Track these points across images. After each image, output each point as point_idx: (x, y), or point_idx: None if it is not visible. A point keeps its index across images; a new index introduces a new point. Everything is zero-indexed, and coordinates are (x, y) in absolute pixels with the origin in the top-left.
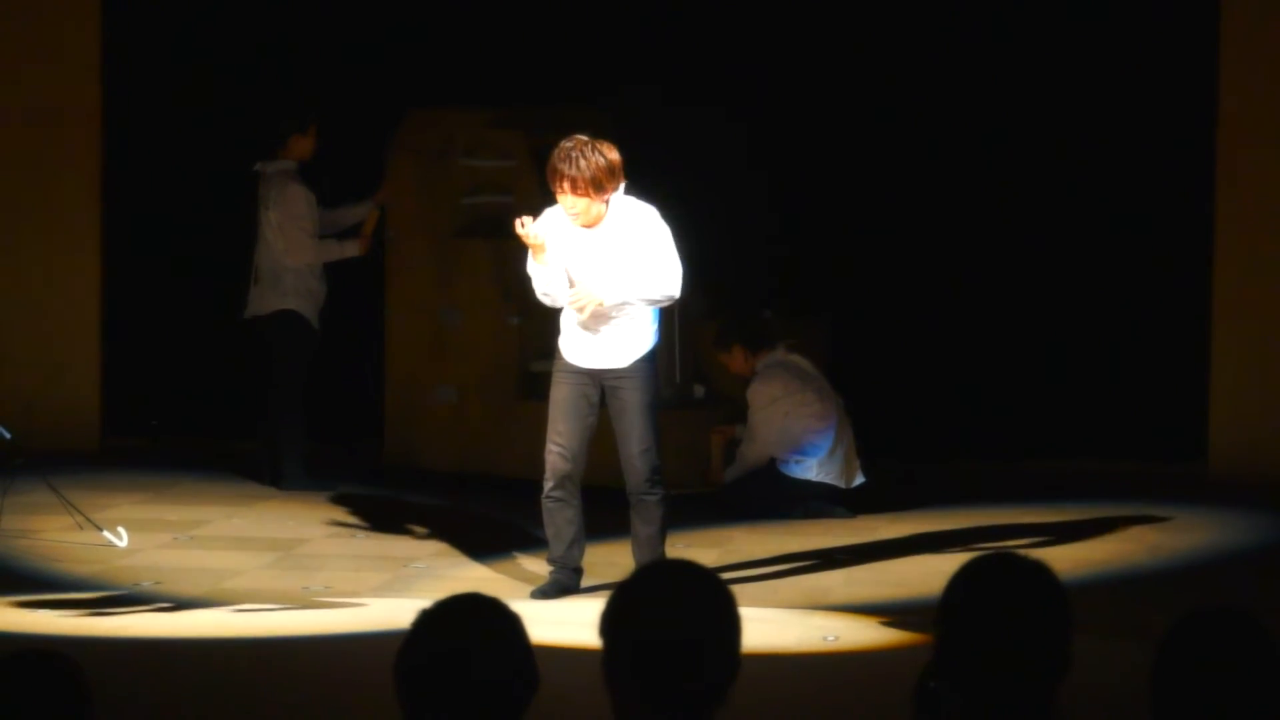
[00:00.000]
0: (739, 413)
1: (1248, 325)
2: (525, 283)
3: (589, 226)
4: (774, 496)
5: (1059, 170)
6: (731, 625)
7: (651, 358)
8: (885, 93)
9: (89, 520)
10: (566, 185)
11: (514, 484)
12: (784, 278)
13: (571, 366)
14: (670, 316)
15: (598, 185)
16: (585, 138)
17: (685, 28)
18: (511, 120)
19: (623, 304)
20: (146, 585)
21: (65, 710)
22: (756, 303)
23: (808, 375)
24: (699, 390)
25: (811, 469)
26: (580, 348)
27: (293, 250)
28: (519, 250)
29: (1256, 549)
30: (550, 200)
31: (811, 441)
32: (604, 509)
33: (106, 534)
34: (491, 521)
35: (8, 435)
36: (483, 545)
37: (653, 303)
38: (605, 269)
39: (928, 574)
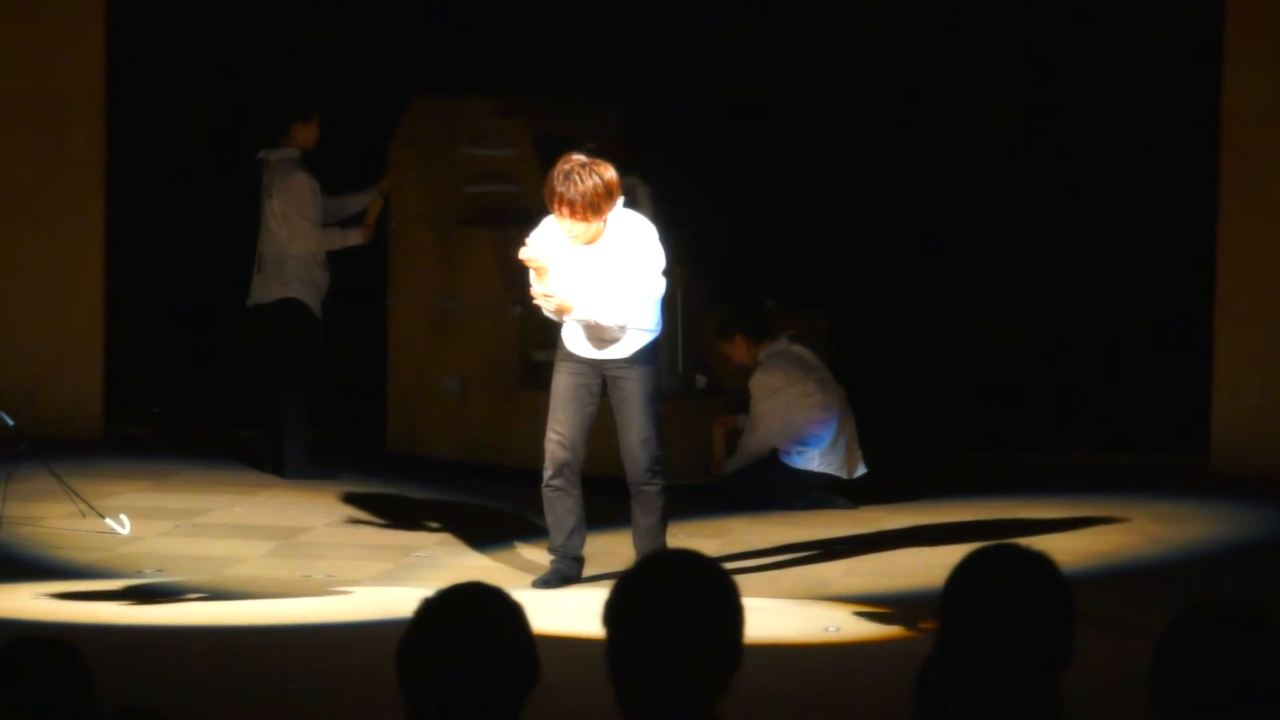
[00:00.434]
0: (741, 403)
1: (1250, 318)
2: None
3: (588, 243)
4: (776, 487)
5: (1063, 162)
6: (733, 616)
7: (653, 348)
8: (888, 84)
9: (91, 508)
10: (565, 210)
11: (516, 472)
12: (786, 268)
13: (573, 356)
14: (673, 306)
15: (595, 208)
16: (581, 158)
17: (690, 19)
18: (515, 109)
19: (621, 324)
20: (148, 573)
21: (67, 697)
22: (759, 293)
23: (810, 366)
24: (701, 380)
25: (813, 459)
26: (582, 338)
27: (296, 238)
28: (521, 240)
29: (1258, 541)
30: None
31: (813, 432)
32: (605, 498)
33: (109, 521)
34: (493, 510)
35: (11, 422)
36: (485, 534)
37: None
38: (602, 285)
39: (929, 565)
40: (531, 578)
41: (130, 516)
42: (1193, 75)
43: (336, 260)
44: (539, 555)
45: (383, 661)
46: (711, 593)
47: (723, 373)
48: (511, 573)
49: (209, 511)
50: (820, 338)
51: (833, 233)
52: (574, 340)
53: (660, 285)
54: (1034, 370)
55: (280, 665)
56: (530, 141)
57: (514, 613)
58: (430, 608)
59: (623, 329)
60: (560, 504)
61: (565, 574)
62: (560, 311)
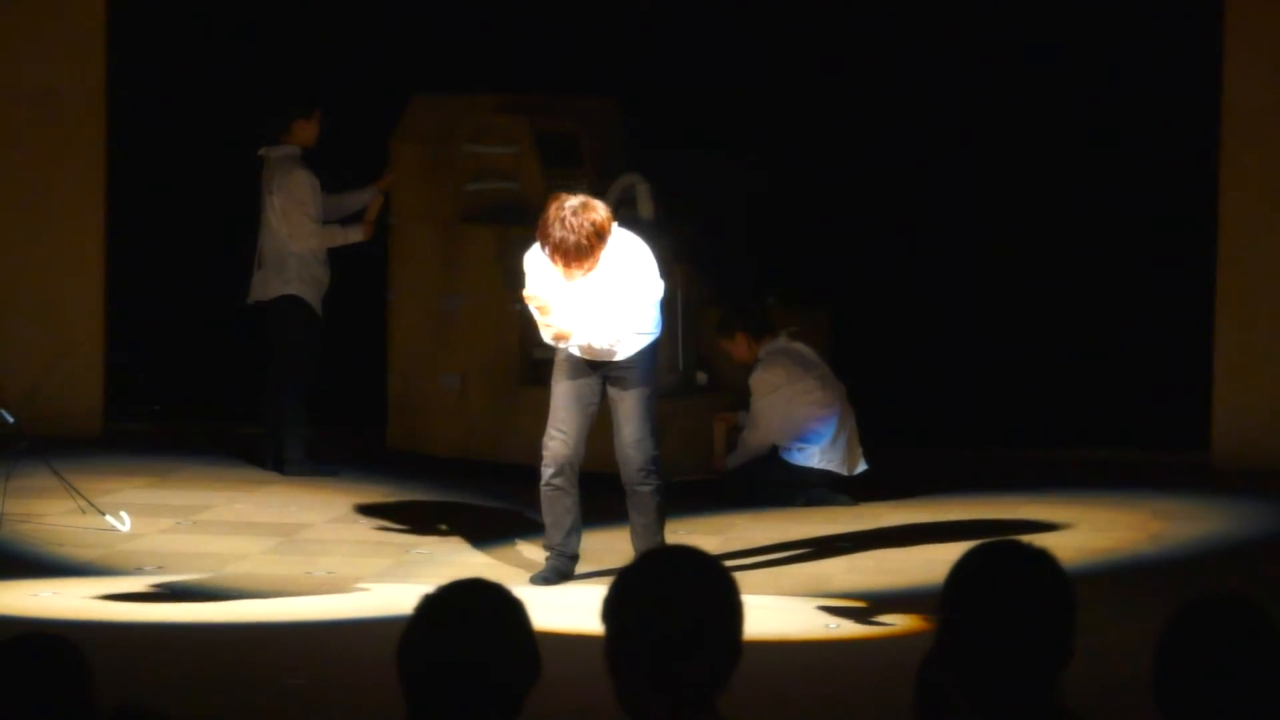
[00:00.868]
0: (741, 400)
1: (1251, 314)
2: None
3: (583, 275)
4: (776, 484)
5: (1062, 158)
6: (733, 612)
7: (652, 349)
8: (889, 77)
9: (91, 505)
10: (558, 259)
11: (516, 470)
12: (787, 265)
13: (574, 356)
14: (673, 304)
15: (587, 254)
16: (573, 202)
17: (689, 15)
18: (516, 107)
19: (616, 340)
20: (148, 570)
21: (66, 694)
22: (759, 290)
23: (810, 362)
24: (702, 377)
25: (814, 456)
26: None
27: (296, 235)
28: (522, 238)
29: (1259, 537)
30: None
31: (814, 429)
32: (605, 495)
33: (109, 518)
34: (493, 507)
35: (11, 419)
36: (485, 531)
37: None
38: (598, 313)
39: (929, 562)
40: (531, 575)
41: (130, 513)
42: (1192, 70)
43: (337, 257)
44: (539, 552)
45: (383, 658)
46: (711, 588)
47: (723, 370)
48: (511, 570)
49: (209, 508)
50: (820, 334)
51: (833, 229)
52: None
53: (658, 289)
54: (1035, 366)
55: (280, 662)
56: (531, 139)
57: (515, 609)
58: (431, 604)
59: (619, 343)
60: (560, 503)
61: (562, 571)
62: (559, 339)
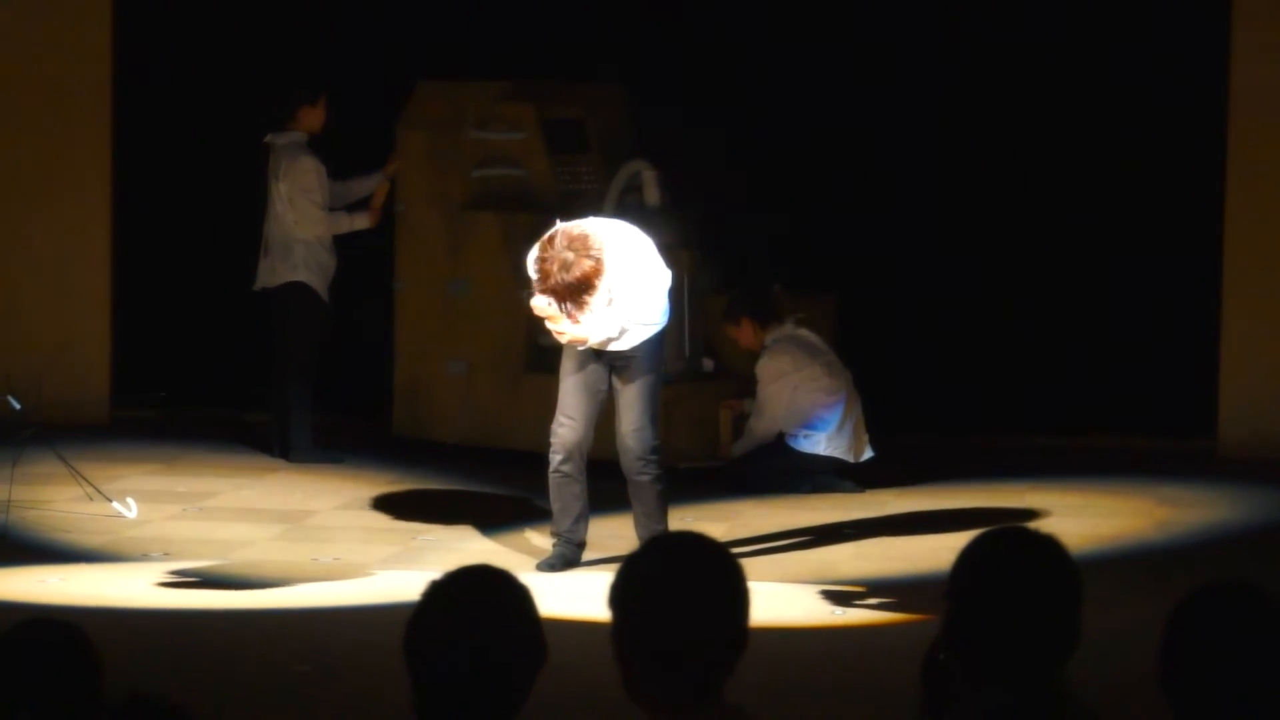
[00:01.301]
0: (748, 387)
1: (1258, 302)
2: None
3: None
4: (782, 471)
5: (1070, 146)
6: (739, 599)
7: (659, 339)
8: (894, 67)
9: (98, 491)
10: (551, 297)
11: (522, 456)
12: (794, 252)
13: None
14: (680, 291)
15: (576, 299)
16: (567, 255)
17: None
18: (522, 93)
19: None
20: (155, 556)
21: (74, 679)
22: (766, 277)
23: (817, 350)
24: (708, 364)
25: (820, 443)
26: None
27: (302, 222)
28: (528, 224)
29: (1266, 525)
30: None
31: (820, 416)
32: (611, 483)
33: (116, 505)
34: (500, 494)
35: (18, 406)
36: (491, 518)
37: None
38: (608, 314)
39: (936, 548)
40: (538, 561)
41: (137, 500)
42: (1199, 58)
43: (343, 244)
44: (545, 539)
45: (390, 644)
46: (717, 575)
47: (730, 357)
48: (518, 556)
49: (216, 495)
50: (827, 321)
51: (840, 215)
52: None
53: (665, 279)
54: (1041, 354)
55: (287, 648)
56: (537, 125)
57: (522, 595)
58: (438, 590)
59: (625, 333)
60: (568, 489)
61: (568, 558)
62: (575, 343)
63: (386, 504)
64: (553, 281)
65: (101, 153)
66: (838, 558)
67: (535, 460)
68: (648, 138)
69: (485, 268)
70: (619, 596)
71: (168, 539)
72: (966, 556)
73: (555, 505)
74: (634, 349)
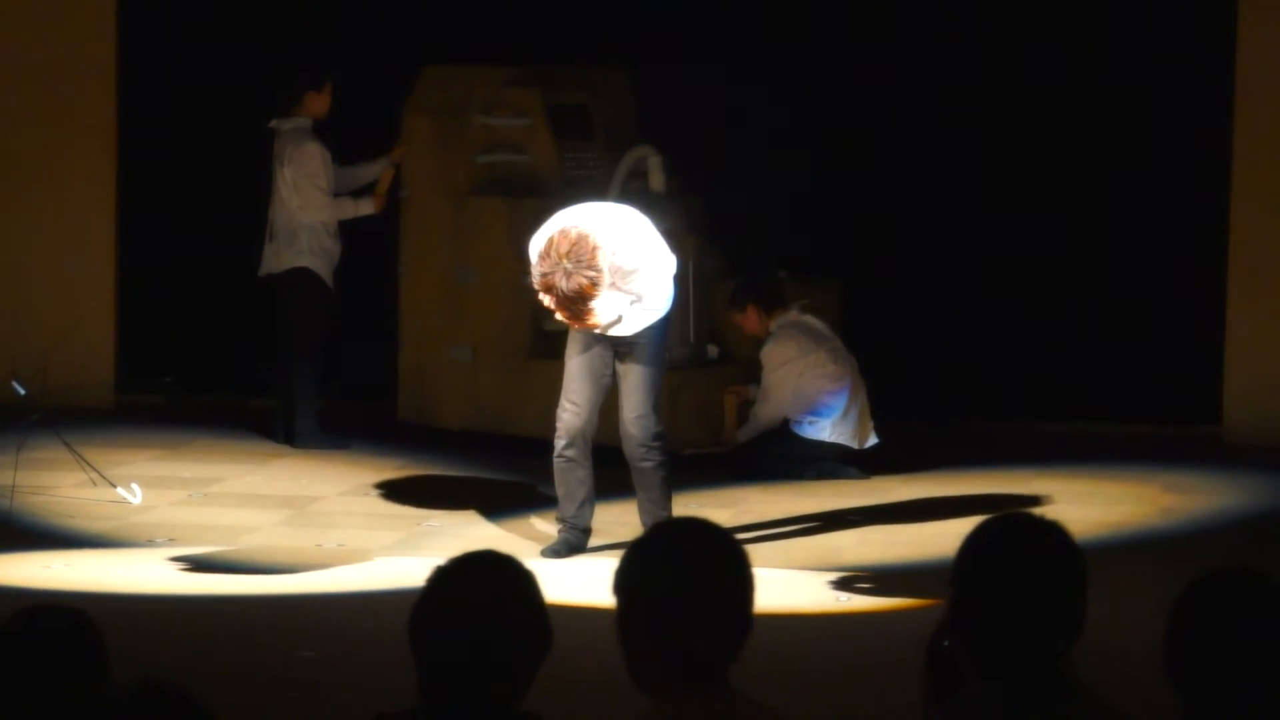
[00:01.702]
0: (753, 373)
1: (1263, 288)
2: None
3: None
4: (787, 457)
5: (1075, 133)
6: (744, 585)
7: (663, 325)
8: (900, 53)
9: (103, 477)
10: (550, 301)
11: (527, 442)
12: (799, 238)
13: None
14: (685, 277)
15: (574, 312)
16: (566, 263)
17: None
18: (528, 78)
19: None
20: (160, 542)
21: (79, 665)
22: (771, 263)
23: (822, 336)
24: (713, 351)
25: (825, 430)
26: None
27: (308, 208)
28: (534, 210)
29: (1271, 511)
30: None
31: (825, 402)
32: (616, 469)
33: (120, 490)
34: (505, 480)
35: (23, 391)
36: (496, 504)
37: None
38: (616, 298)
39: (941, 535)
40: (543, 547)
41: (142, 485)
42: (1205, 42)
43: (348, 230)
44: (550, 525)
45: (395, 630)
46: (722, 561)
47: (735, 343)
48: (523, 542)
49: (221, 481)
50: (832, 308)
51: (844, 202)
52: None
53: (670, 264)
54: (1046, 340)
55: (292, 634)
56: (543, 111)
57: (526, 581)
58: (443, 576)
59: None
60: (572, 475)
61: (573, 544)
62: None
63: (391, 490)
64: (555, 292)
65: (106, 138)
66: (842, 544)
67: (540, 446)
68: (653, 122)
69: (490, 253)
70: (623, 582)
71: (172, 524)
72: (971, 543)
73: (559, 491)
74: (638, 335)
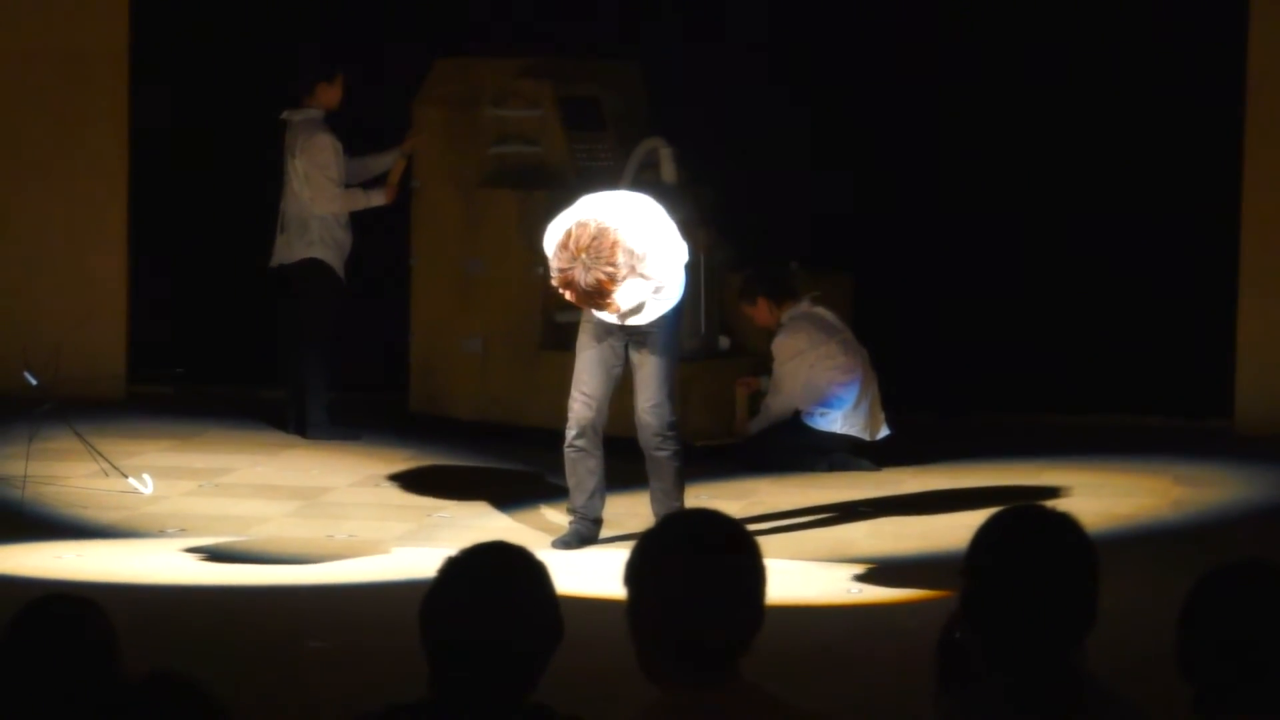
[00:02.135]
0: (764, 365)
1: (1275, 280)
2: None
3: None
4: (798, 449)
5: (1086, 125)
6: (755, 576)
7: (676, 313)
8: (912, 48)
9: (114, 467)
10: (569, 294)
11: (538, 433)
12: (810, 229)
13: (599, 318)
14: (696, 268)
15: (592, 302)
16: (584, 256)
17: None
18: (539, 70)
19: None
20: (171, 532)
21: (91, 655)
22: (782, 255)
23: (833, 328)
24: (724, 342)
25: (836, 421)
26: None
27: (319, 199)
28: (545, 201)
29: None
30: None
31: (836, 394)
32: (627, 460)
33: (132, 481)
34: (515, 471)
35: (34, 382)
36: (507, 495)
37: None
38: (633, 285)
39: (952, 527)
40: (553, 538)
41: (153, 476)
42: (1217, 37)
43: (359, 221)
44: (561, 516)
45: (406, 621)
46: (733, 552)
47: (746, 335)
48: (534, 533)
49: (232, 471)
50: (843, 299)
51: (856, 193)
52: None
53: (682, 253)
54: (1057, 332)
55: (303, 624)
56: (554, 102)
57: (538, 572)
58: (454, 567)
59: (658, 291)
60: (583, 465)
61: (584, 535)
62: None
63: (402, 481)
64: (574, 287)
65: (118, 128)
66: (854, 535)
67: (551, 437)
68: (664, 114)
69: (501, 245)
70: (635, 574)
71: (184, 515)
72: (983, 534)
73: (570, 481)
74: (651, 324)
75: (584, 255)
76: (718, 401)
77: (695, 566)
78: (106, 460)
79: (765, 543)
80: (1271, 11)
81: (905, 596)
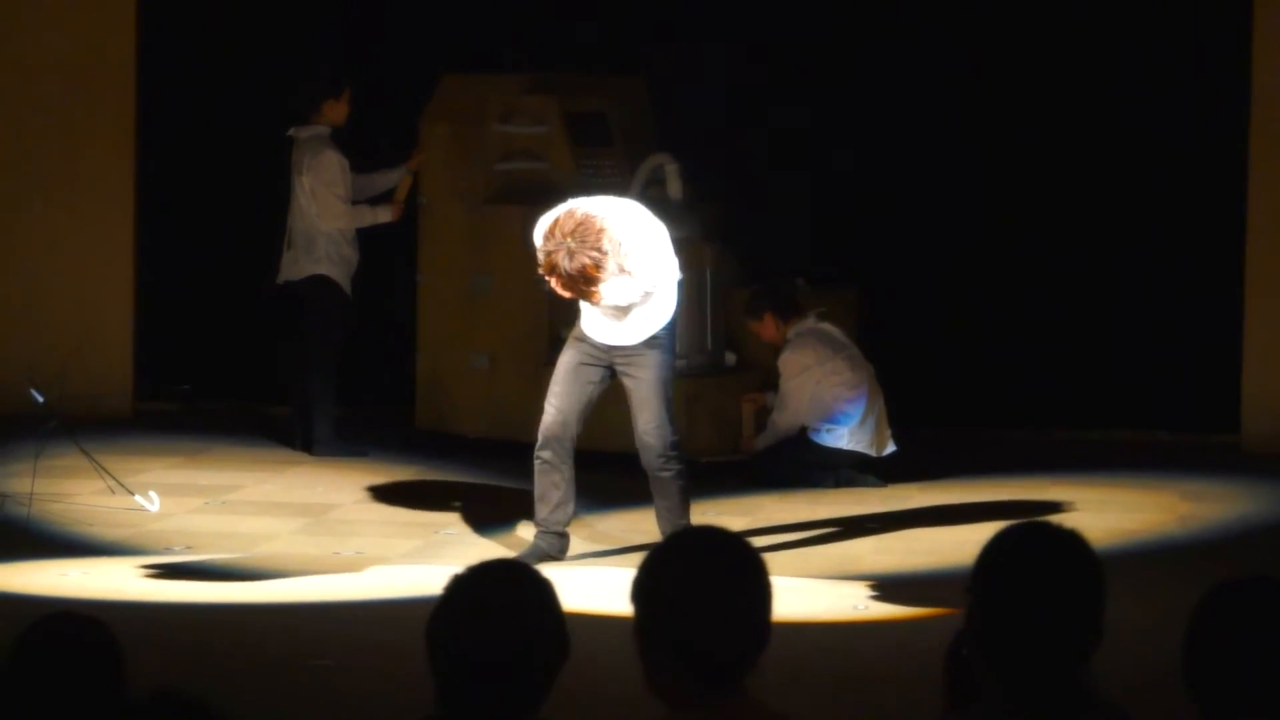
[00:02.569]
0: (770, 380)
1: None
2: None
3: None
4: (805, 465)
5: (1093, 139)
6: (762, 593)
7: (667, 331)
8: (918, 62)
9: (121, 484)
10: (555, 281)
11: None
12: (816, 245)
13: (586, 338)
14: (702, 284)
15: (578, 289)
16: (570, 240)
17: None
18: (545, 86)
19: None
20: (177, 550)
21: (96, 673)
22: (789, 270)
23: (839, 343)
24: (730, 358)
25: (843, 437)
26: (596, 323)
27: (325, 215)
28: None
29: None
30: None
31: (843, 410)
32: (629, 477)
33: (138, 498)
34: (522, 488)
35: (41, 399)
36: (513, 511)
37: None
38: (621, 285)
39: (959, 543)
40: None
41: (159, 493)
42: (1221, 51)
43: (366, 237)
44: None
45: (412, 638)
46: (739, 569)
47: (752, 350)
48: None
49: (238, 488)
50: (849, 315)
51: (862, 208)
52: (589, 323)
53: (674, 269)
54: (1064, 348)
55: (309, 642)
56: (560, 118)
57: (544, 589)
58: (460, 584)
59: (647, 297)
60: (546, 477)
61: (545, 551)
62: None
63: (409, 498)
64: (559, 272)
65: (125, 145)
66: (860, 552)
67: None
68: (670, 129)
69: (508, 261)
70: (641, 591)
71: (190, 532)
72: (990, 551)
73: (535, 493)
74: (643, 345)
75: (570, 240)
76: (724, 417)
77: (702, 583)
78: (113, 477)
79: (771, 559)
80: (1276, 25)
81: (912, 613)
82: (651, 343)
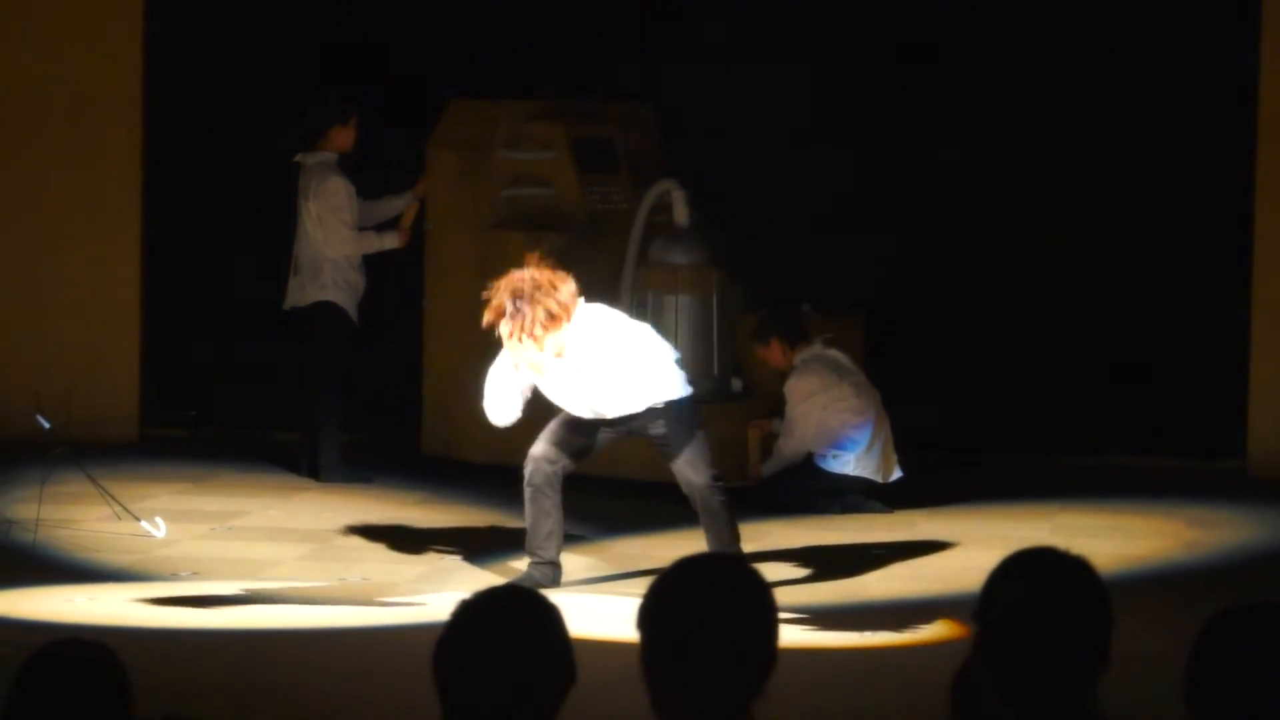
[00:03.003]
0: (777, 407)
1: None
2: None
3: (557, 357)
4: (811, 491)
5: (1098, 164)
6: (768, 619)
7: (689, 406)
8: (924, 86)
9: (127, 510)
10: (510, 336)
11: None
12: (822, 272)
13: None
14: (709, 310)
15: (537, 333)
16: (531, 284)
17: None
18: (552, 112)
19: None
20: (184, 575)
21: (102, 699)
22: (795, 297)
23: (846, 370)
24: (737, 384)
25: (849, 464)
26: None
27: (332, 242)
28: (559, 244)
29: None
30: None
31: (849, 436)
32: (647, 501)
33: (144, 524)
34: None
35: (47, 425)
36: (520, 539)
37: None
38: (583, 390)
39: (965, 569)
40: (569, 582)
41: (165, 519)
42: (1228, 68)
43: (372, 263)
44: (574, 561)
45: (418, 665)
46: (746, 596)
47: (758, 376)
48: None
49: (244, 514)
50: (855, 342)
51: (868, 235)
52: (558, 398)
53: (664, 351)
54: (1070, 374)
55: (315, 669)
56: (566, 145)
57: (551, 615)
58: (467, 610)
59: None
60: (536, 506)
61: (536, 580)
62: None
63: (414, 524)
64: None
65: (131, 171)
66: (867, 578)
67: (565, 481)
68: (677, 156)
69: None
70: (648, 617)
71: (196, 558)
72: (996, 577)
73: (525, 521)
74: (657, 412)
75: (526, 297)
76: (730, 444)
77: (708, 610)
78: (119, 503)
79: (778, 586)
80: None
81: (918, 639)
82: (673, 413)
